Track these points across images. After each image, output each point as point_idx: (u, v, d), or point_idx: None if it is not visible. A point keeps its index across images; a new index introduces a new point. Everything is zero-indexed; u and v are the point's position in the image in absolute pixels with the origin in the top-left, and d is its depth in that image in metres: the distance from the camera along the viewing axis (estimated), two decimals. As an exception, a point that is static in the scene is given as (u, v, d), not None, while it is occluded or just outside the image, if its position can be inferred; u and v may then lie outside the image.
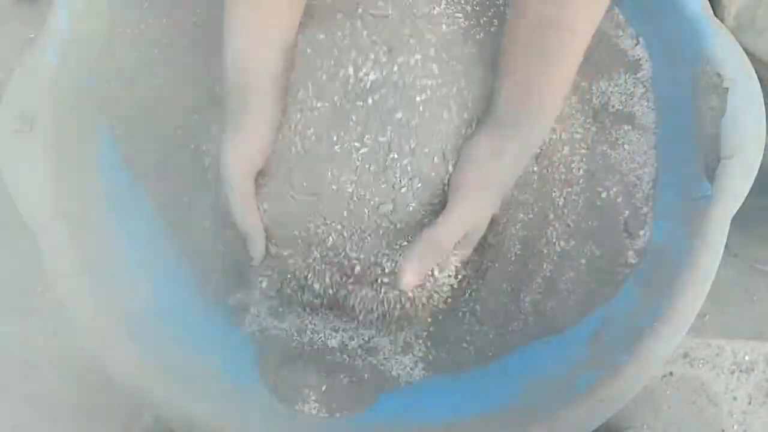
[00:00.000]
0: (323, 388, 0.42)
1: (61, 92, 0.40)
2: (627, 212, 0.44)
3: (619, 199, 0.44)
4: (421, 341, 0.44)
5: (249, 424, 0.38)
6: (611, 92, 0.45)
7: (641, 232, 0.43)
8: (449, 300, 0.44)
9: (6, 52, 0.60)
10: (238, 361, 0.43)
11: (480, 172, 0.39)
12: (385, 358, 0.44)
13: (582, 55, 0.37)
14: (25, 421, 0.54)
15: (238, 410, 0.39)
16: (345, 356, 0.43)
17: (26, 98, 0.38)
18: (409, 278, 0.38)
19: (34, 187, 0.38)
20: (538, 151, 0.44)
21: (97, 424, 0.54)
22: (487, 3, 0.45)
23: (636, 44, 0.44)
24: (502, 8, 0.45)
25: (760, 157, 0.38)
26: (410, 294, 0.42)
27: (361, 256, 0.41)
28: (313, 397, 0.42)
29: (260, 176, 0.41)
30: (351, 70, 0.41)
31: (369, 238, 0.41)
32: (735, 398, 0.54)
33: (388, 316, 0.43)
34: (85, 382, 0.54)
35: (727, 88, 0.38)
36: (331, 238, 0.41)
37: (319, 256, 0.42)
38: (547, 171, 0.45)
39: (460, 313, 0.44)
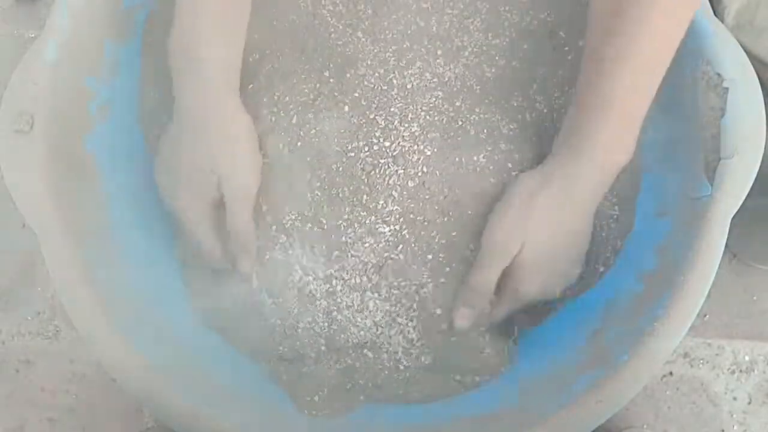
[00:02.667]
0: (325, 389, 0.43)
1: (61, 92, 0.40)
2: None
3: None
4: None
5: (249, 425, 0.38)
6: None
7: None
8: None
9: (6, 52, 0.60)
10: (239, 361, 0.43)
11: (513, 208, 0.40)
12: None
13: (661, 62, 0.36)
14: (25, 421, 0.54)
15: (238, 411, 0.38)
16: (348, 357, 0.44)
17: (26, 98, 0.38)
18: (459, 323, 0.42)
19: (34, 187, 0.38)
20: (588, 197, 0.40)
21: (97, 424, 0.54)
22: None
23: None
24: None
25: (760, 157, 0.38)
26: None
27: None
28: (317, 396, 0.42)
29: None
30: None
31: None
32: (735, 398, 0.54)
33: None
34: (85, 382, 0.54)
35: (727, 88, 0.38)
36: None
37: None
38: None
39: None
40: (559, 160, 0.40)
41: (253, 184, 0.42)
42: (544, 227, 0.39)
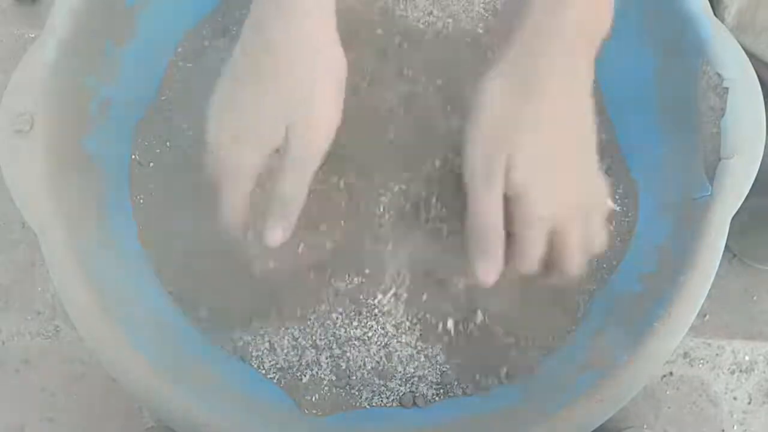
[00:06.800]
0: (325, 388, 0.43)
1: (61, 92, 0.40)
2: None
3: None
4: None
5: (249, 425, 0.38)
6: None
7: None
8: None
9: (6, 52, 0.60)
10: (238, 362, 0.43)
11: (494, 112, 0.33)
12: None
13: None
14: (25, 421, 0.54)
15: (238, 411, 0.38)
16: (349, 356, 0.44)
17: (26, 98, 0.38)
18: (482, 278, 0.33)
19: (34, 187, 0.38)
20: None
21: (97, 424, 0.54)
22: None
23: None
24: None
25: (760, 157, 0.38)
26: None
27: None
28: (317, 396, 0.42)
29: None
30: None
31: None
32: (735, 398, 0.54)
33: None
34: (85, 382, 0.54)
35: (727, 88, 0.38)
36: None
37: None
38: None
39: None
40: (519, 50, 0.33)
41: (327, 143, 0.34)
42: (529, 131, 0.32)
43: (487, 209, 0.33)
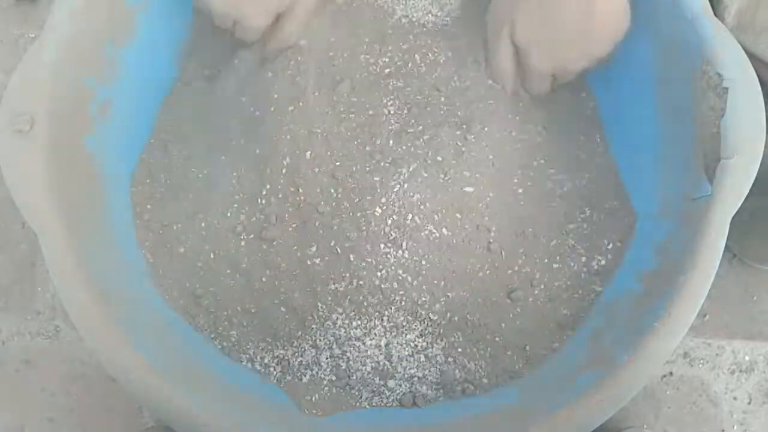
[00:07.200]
0: (325, 388, 0.43)
1: (61, 92, 0.40)
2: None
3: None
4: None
5: (249, 425, 0.38)
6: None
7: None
8: None
9: (6, 52, 0.60)
10: (238, 362, 0.43)
11: None
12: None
13: None
14: (25, 421, 0.54)
15: (238, 411, 0.38)
16: (349, 356, 0.44)
17: (26, 98, 0.38)
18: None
19: (34, 187, 0.38)
20: None
21: (97, 424, 0.54)
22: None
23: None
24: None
25: (760, 157, 0.38)
26: None
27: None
28: (317, 396, 0.42)
29: None
30: None
31: None
32: (735, 398, 0.54)
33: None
34: (85, 381, 0.54)
35: (727, 88, 0.38)
36: None
37: None
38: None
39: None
40: None
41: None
42: (534, 6, 0.43)
43: (496, 57, 0.47)
